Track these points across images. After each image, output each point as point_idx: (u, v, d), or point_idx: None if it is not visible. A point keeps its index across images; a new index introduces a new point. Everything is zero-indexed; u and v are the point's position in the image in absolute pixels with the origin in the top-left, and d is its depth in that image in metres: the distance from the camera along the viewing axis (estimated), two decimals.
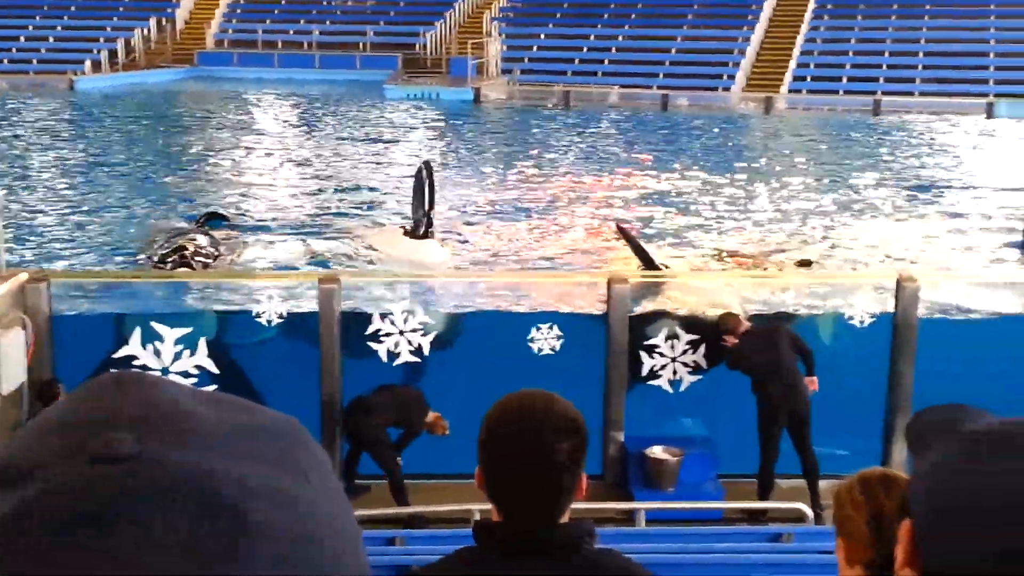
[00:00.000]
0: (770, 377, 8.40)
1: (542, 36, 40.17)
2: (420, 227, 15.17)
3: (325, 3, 44.62)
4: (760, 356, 8.46)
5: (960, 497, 1.41)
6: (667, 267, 13.55)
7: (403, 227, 15.98)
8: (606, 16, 40.68)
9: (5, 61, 39.85)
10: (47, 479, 0.57)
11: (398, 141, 28.63)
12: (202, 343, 8.57)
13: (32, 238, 16.93)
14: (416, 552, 5.60)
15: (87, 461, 0.57)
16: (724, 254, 15.68)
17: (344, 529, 0.63)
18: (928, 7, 39.08)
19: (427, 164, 15.44)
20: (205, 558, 0.55)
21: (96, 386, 0.63)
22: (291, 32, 42.79)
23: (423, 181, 15.01)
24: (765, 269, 14.43)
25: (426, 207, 15.03)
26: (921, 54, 36.88)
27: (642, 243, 13.89)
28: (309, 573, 0.59)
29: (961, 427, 1.47)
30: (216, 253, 15.26)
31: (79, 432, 0.59)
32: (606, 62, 38.23)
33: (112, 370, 0.67)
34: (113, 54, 41.01)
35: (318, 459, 0.65)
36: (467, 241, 17.07)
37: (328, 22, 43.28)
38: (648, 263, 12.70)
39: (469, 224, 18.18)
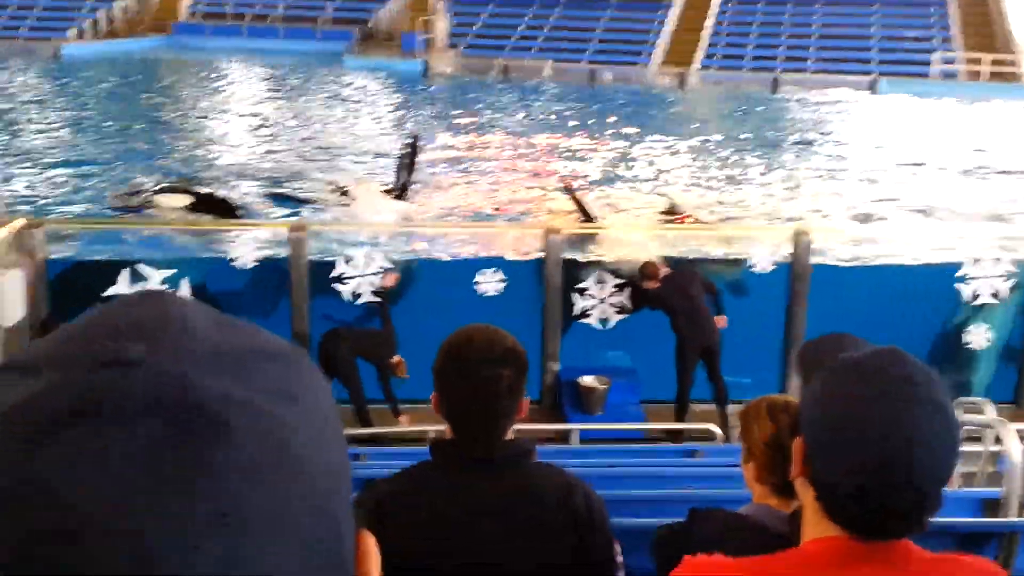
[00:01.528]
0: (686, 316, 8.51)
1: (484, 15, 39.71)
2: (398, 189, 15.09)
3: None
4: (677, 298, 8.55)
5: (829, 418, 1.47)
6: (603, 218, 13.53)
7: (384, 185, 15.81)
8: None
9: None
10: (55, 376, 0.55)
11: (359, 105, 28.26)
12: (184, 284, 8.45)
13: (25, 188, 16.48)
14: (379, 467, 5.61)
15: (96, 364, 0.55)
16: (670, 208, 15.47)
17: (330, 454, 0.60)
18: None
19: (415, 137, 15.32)
20: (181, 461, 0.53)
21: (124, 300, 0.62)
22: (257, 6, 41.80)
23: (408, 151, 14.95)
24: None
25: (407, 174, 14.93)
26: (814, 36, 37.08)
27: (582, 198, 13.81)
28: (288, 488, 0.56)
29: (834, 358, 1.52)
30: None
31: (96, 338, 0.57)
32: (540, 39, 37.90)
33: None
34: (95, 23, 39.83)
35: (312, 386, 0.62)
36: (423, 199, 16.92)
37: None
38: (587, 216, 12.67)
39: (426, 181, 18.02)
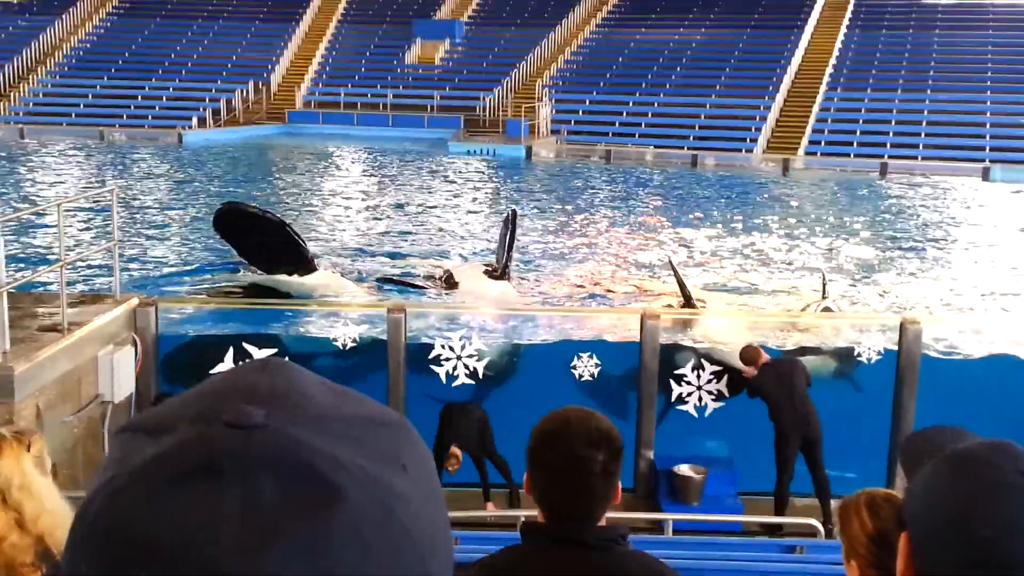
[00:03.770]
0: (785, 405, 8.28)
1: (587, 102, 40.30)
2: (499, 269, 14.92)
3: (399, 71, 45.21)
4: (777, 386, 8.35)
5: (941, 511, 1.38)
6: (703, 302, 13.26)
7: (486, 266, 15.71)
8: (644, 85, 40.74)
9: (124, 117, 40.77)
10: (183, 434, 0.59)
11: (461, 190, 28.80)
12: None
13: (144, 268, 17.19)
14: (470, 551, 5.54)
15: (221, 425, 0.59)
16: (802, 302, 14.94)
17: (434, 523, 0.62)
18: (930, 81, 38.74)
19: (514, 213, 15.21)
20: (297, 519, 0.56)
21: (245, 367, 0.66)
22: (369, 95, 43.35)
23: (508, 228, 14.86)
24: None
25: (507, 251, 14.79)
26: (924, 123, 36.51)
27: (683, 278, 13.56)
28: (391, 553, 0.58)
29: (943, 449, 1.44)
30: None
31: (220, 401, 0.61)
32: (643, 125, 38.25)
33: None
34: (216, 112, 41.85)
35: (419, 455, 0.65)
36: (524, 278, 16.95)
37: (401, 87, 43.79)
38: (687, 298, 12.43)
39: (524, 264, 18.09)
